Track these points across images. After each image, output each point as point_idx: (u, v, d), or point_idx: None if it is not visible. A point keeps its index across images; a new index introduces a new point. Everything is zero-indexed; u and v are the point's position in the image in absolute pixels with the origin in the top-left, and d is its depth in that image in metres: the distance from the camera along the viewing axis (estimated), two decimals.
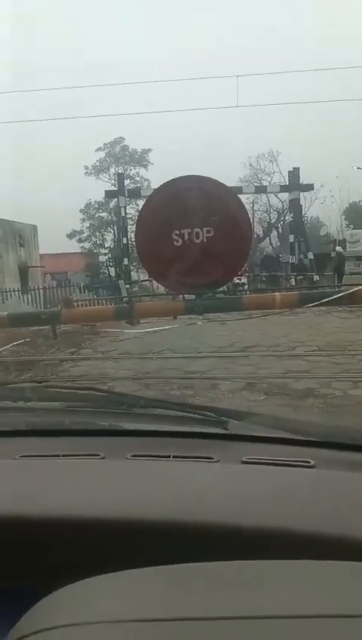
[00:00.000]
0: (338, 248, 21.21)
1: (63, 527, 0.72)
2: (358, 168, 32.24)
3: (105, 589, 0.52)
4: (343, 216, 40.89)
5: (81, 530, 0.72)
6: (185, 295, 6.68)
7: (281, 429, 1.14)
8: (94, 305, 12.62)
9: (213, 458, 0.91)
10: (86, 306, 11.22)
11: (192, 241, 5.68)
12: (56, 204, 36.78)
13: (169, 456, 0.92)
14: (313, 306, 6.21)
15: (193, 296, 6.06)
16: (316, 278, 15.16)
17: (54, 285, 20.55)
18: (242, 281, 18.33)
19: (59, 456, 0.94)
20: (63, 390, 1.62)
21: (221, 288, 9.05)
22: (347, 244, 27.92)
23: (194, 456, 0.92)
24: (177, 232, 5.67)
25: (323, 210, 35.82)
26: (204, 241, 5.63)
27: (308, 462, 0.89)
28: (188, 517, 0.72)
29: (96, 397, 1.39)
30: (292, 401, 5.35)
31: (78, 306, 9.69)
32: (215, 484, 0.85)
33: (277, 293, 6.82)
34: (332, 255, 17.54)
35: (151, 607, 0.48)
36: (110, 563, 0.62)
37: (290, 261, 17.34)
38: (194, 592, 0.51)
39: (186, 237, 5.71)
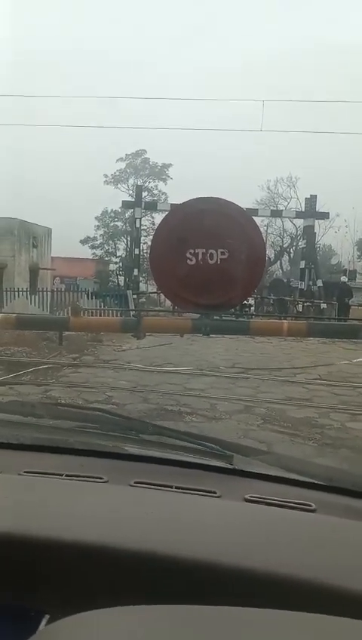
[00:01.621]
0: (343, 278, 21.24)
1: (62, 549, 0.72)
2: None
3: (102, 627, 0.52)
4: (356, 247, 41.05)
5: (80, 555, 0.72)
6: (190, 313, 6.72)
7: (286, 469, 1.15)
8: (101, 313, 12.69)
9: (215, 493, 0.91)
10: (93, 314, 11.29)
11: (206, 261, 5.72)
12: (73, 209, 37.21)
13: (172, 487, 0.92)
14: (315, 336, 6.20)
15: (198, 315, 6.09)
16: (323, 306, 15.16)
17: (62, 289, 20.62)
18: (249, 302, 18.37)
19: (62, 475, 0.94)
20: (73, 409, 1.62)
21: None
22: (357, 274, 28.04)
23: (196, 489, 0.92)
24: (192, 251, 5.71)
25: (337, 239, 35.99)
26: (218, 262, 5.67)
27: (310, 505, 0.89)
28: (188, 553, 0.72)
29: (105, 419, 1.40)
30: (288, 428, 5.33)
31: (85, 314, 9.77)
32: (216, 521, 0.85)
33: (285, 321, 6.82)
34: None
35: None
36: (107, 591, 0.62)
37: (299, 287, 17.37)
38: (188, 637, 0.51)
39: (200, 257, 5.75)
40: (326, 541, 0.80)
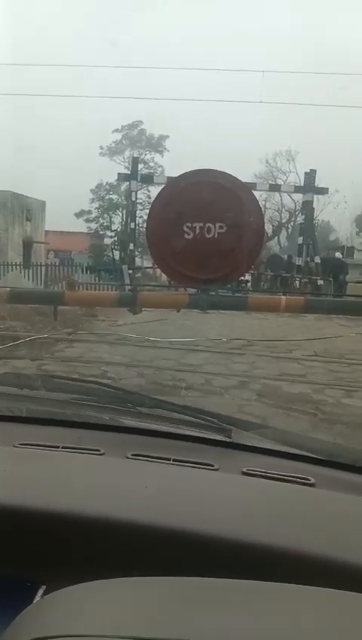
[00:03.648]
0: (337, 254, 21.10)
1: (58, 521, 0.72)
2: None
3: (98, 598, 0.52)
4: (354, 223, 40.79)
5: (77, 527, 0.71)
6: (187, 288, 6.65)
7: (284, 443, 1.14)
8: (96, 288, 12.59)
9: (213, 466, 0.90)
10: (88, 289, 11.19)
11: (203, 235, 5.64)
12: (68, 181, 36.59)
13: (169, 459, 0.91)
14: (312, 312, 6.19)
15: (195, 290, 6.04)
16: (320, 282, 15.12)
17: (57, 263, 20.44)
18: (246, 278, 18.28)
19: (58, 447, 0.93)
20: (70, 382, 1.58)
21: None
22: (355, 251, 27.93)
23: (194, 462, 0.91)
24: (189, 224, 5.63)
25: (335, 215, 35.73)
26: (216, 236, 5.59)
27: (309, 479, 0.88)
28: (184, 526, 0.71)
29: (102, 392, 1.38)
30: (283, 404, 5.35)
31: (80, 288, 9.68)
32: (213, 494, 0.84)
33: (283, 297, 6.78)
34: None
35: (140, 624, 0.48)
36: (103, 563, 0.62)
37: (297, 263, 17.29)
38: (184, 609, 0.52)
39: (198, 231, 5.67)
40: (325, 515, 0.80)
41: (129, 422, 1.14)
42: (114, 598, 0.52)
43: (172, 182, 6.73)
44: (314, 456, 1.04)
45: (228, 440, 1.06)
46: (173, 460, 0.91)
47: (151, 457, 0.92)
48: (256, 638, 0.47)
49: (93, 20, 45.88)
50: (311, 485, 0.87)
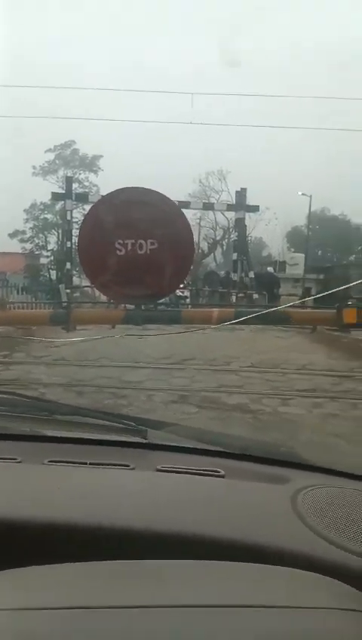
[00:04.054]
0: (269, 269, 21.96)
1: None
2: (302, 194, 33.82)
3: (21, 581, 0.57)
4: (285, 239, 42.65)
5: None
6: (126, 305, 6.66)
7: (197, 440, 1.19)
8: (32, 308, 12.26)
9: (129, 465, 0.94)
10: (22, 308, 10.87)
11: (135, 251, 5.71)
12: (0, 202, 35.57)
13: (86, 463, 0.94)
14: (243, 323, 6.39)
15: (132, 307, 6.05)
16: (255, 296, 15.62)
17: None
18: (185, 294, 18.54)
19: None
20: None
21: (163, 300, 9.11)
22: (287, 266, 29.13)
23: (110, 463, 0.94)
24: (120, 241, 5.67)
25: (267, 231, 37.21)
26: (148, 252, 5.67)
27: (218, 471, 0.93)
28: (101, 520, 0.74)
29: (18, 402, 1.39)
30: (222, 414, 5.42)
31: (13, 308, 9.39)
32: (129, 490, 0.87)
33: (215, 309, 6.96)
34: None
35: (61, 598, 0.53)
36: (16, 558, 0.65)
37: (233, 278, 17.76)
38: (98, 585, 0.56)
39: (130, 247, 5.73)
40: (232, 502, 0.86)
41: (47, 431, 1.15)
42: (35, 581, 0.57)
43: (102, 199, 6.78)
44: (226, 450, 1.10)
45: (143, 441, 1.10)
46: (90, 464, 0.94)
47: (68, 462, 0.94)
48: (161, 601, 0.52)
49: (26, 38, 45.52)
50: (221, 477, 0.92)
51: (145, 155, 38.51)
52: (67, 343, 9.20)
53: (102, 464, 0.94)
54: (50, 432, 1.14)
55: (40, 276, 24.26)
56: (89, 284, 14.67)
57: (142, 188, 6.30)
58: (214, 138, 41.00)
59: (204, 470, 0.93)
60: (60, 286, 13.95)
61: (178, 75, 40.70)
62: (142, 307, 5.92)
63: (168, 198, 6.41)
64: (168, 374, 7.51)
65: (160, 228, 5.80)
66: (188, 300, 17.56)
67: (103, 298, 11.60)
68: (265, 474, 0.99)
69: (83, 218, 9.34)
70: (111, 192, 6.36)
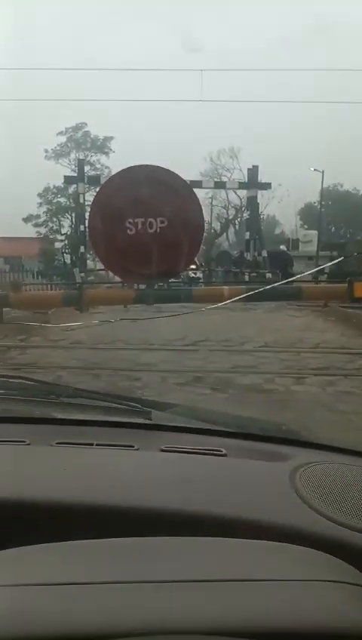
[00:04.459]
0: (282, 247, 21.64)
1: None
2: (314, 170, 33.12)
3: (24, 558, 0.59)
4: (298, 216, 41.93)
5: (7, 511, 0.75)
6: (139, 285, 6.64)
7: (200, 420, 1.23)
8: (46, 290, 12.32)
9: (133, 446, 0.96)
10: (36, 291, 10.92)
11: (146, 230, 5.66)
12: (14, 186, 35.60)
13: (92, 444, 0.96)
14: (259, 302, 6.33)
15: (145, 286, 6.04)
16: (268, 275, 15.46)
17: (7, 270, 19.86)
18: (198, 275, 18.45)
19: None
20: None
21: (176, 280, 9.05)
22: (300, 243, 28.71)
23: (116, 444, 0.97)
24: (131, 220, 5.63)
25: (280, 209, 36.59)
26: (158, 231, 5.62)
27: (221, 450, 0.96)
28: (106, 499, 0.77)
29: (26, 385, 1.41)
30: (236, 395, 5.41)
31: (27, 290, 9.45)
32: (133, 470, 0.90)
33: (225, 287, 6.90)
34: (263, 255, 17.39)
35: (61, 574, 0.55)
36: (22, 537, 0.66)
37: (248, 258, 17.58)
38: (99, 561, 0.59)
39: (140, 226, 5.69)
40: (232, 480, 0.88)
41: (54, 413, 1.18)
42: (40, 559, 0.59)
43: (110, 179, 6.71)
44: (227, 429, 1.13)
45: (147, 422, 1.13)
46: (96, 445, 0.96)
47: (75, 444, 0.97)
48: (162, 576, 0.54)
49: (35, 20, 44.84)
50: (223, 455, 0.95)
51: (156, 135, 38.06)
52: (82, 327, 9.28)
53: (108, 445, 0.97)
54: (57, 415, 1.17)
55: (54, 260, 24.37)
56: (103, 267, 14.69)
57: (151, 165, 6.22)
58: (224, 115, 40.18)
59: (206, 450, 0.96)
60: (75, 270, 13.99)
61: (187, 53, 39.71)
62: (154, 287, 5.89)
63: (178, 176, 6.32)
64: (182, 356, 7.53)
65: (170, 206, 5.73)
66: (201, 281, 17.48)
67: (118, 280, 11.57)
68: (266, 452, 1.01)
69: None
70: (120, 171, 6.30)
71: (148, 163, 6.26)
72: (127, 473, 0.89)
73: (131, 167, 6.10)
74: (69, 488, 0.80)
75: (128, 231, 5.62)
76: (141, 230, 5.63)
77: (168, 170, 6.07)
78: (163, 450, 0.95)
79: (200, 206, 7.02)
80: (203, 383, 5.97)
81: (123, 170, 6.15)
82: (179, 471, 0.91)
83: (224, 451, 0.96)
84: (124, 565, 0.58)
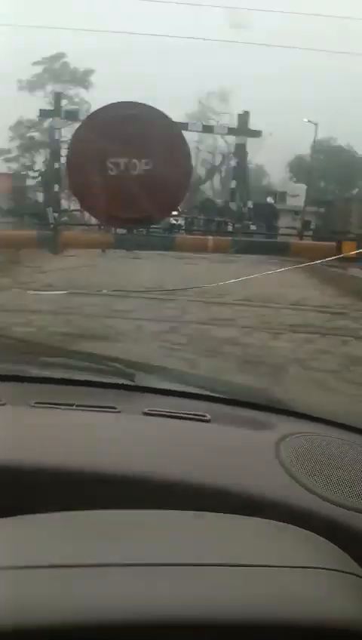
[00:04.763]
0: (269, 200, 21.29)
1: None
2: (308, 122, 32.13)
3: (9, 534, 0.57)
4: (287, 168, 41.05)
5: None
6: (117, 229, 6.35)
7: (184, 383, 1.20)
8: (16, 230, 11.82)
9: (115, 408, 0.94)
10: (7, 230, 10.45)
11: (128, 171, 5.33)
12: None
13: (72, 405, 0.94)
14: (239, 252, 6.16)
15: (123, 231, 5.76)
16: (252, 227, 15.21)
17: None
18: (179, 222, 18.03)
19: None
20: None
21: (156, 227, 8.75)
22: (287, 197, 28.21)
23: (97, 406, 0.94)
24: (112, 160, 5.27)
25: (268, 159, 35.67)
26: (141, 173, 5.29)
27: (205, 416, 0.93)
28: (86, 464, 0.76)
29: (3, 342, 1.36)
30: (212, 347, 5.37)
31: None
32: (115, 434, 0.89)
33: (210, 237, 6.69)
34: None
35: (45, 554, 0.53)
36: (11, 507, 0.63)
37: (232, 208, 17.21)
38: (85, 539, 0.58)
39: (122, 167, 5.36)
40: (216, 448, 0.86)
41: (33, 371, 1.15)
42: (23, 533, 0.57)
43: (94, 114, 6.24)
44: (212, 394, 1.11)
45: (130, 383, 1.10)
46: (77, 406, 0.93)
47: (55, 404, 0.93)
48: (151, 558, 0.53)
49: None
50: (206, 421, 0.92)
51: (141, 70, 35.84)
52: (54, 269, 8.95)
53: (89, 406, 0.94)
54: (36, 373, 1.14)
55: (26, 198, 23.39)
56: (78, 207, 14.14)
57: (137, 103, 5.81)
58: (217, 56, 38.04)
59: (189, 414, 0.94)
60: (48, 209, 13.40)
61: None
62: (134, 232, 5.62)
63: (166, 115, 5.93)
64: (159, 304, 7.39)
65: (155, 147, 5.38)
66: (182, 229, 17.13)
67: (94, 222, 11.14)
68: (251, 419, 1.00)
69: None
70: (103, 107, 5.89)
71: (132, 100, 5.82)
72: (108, 437, 0.87)
73: (116, 102, 5.69)
74: (49, 452, 0.78)
75: (109, 171, 5.29)
76: (123, 171, 5.29)
77: (157, 109, 5.68)
78: (145, 414, 0.93)
79: (189, 151, 6.66)
80: (178, 333, 5.90)
81: (107, 106, 5.73)
82: (162, 436, 0.89)
83: (208, 417, 0.93)
84: (107, 544, 0.57)
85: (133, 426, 0.93)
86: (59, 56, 33.87)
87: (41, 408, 0.92)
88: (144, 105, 5.87)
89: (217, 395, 1.12)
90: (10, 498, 0.68)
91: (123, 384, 1.10)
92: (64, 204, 17.35)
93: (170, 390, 1.11)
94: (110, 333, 5.59)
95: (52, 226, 7.72)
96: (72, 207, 15.36)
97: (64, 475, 0.74)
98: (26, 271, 9.71)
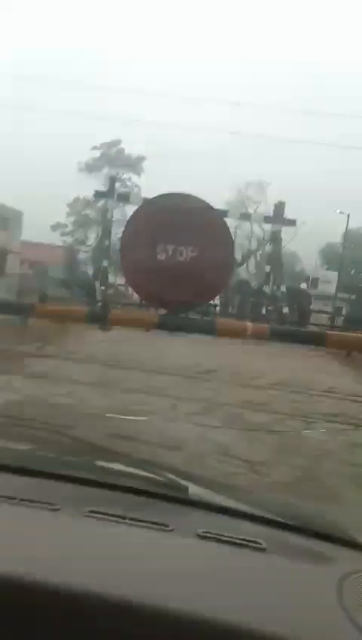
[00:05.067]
0: (302, 285, 21.72)
1: (3, 587, 0.70)
2: (340, 212, 33.33)
3: None
4: (319, 255, 42.01)
5: (22, 594, 0.69)
6: (158, 309, 6.68)
7: (237, 500, 1.17)
8: (68, 302, 12.46)
9: (168, 526, 0.91)
10: (60, 302, 11.05)
11: (175, 257, 5.75)
12: (45, 194, 36.31)
13: (125, 518, 0.92)
14: (279, 341, 6.31)
15: (164, 311, 6.07)
16: (285, 310, 15.49)
17: (30, 274, 20.08)
18: (214, 302, 18.47)
19: (15, 499, 0.93)
20: (29, 430, 1.63)
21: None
22: (319, 283, 28.73)
23: (149, 521, 0.92)
24: (162, 246, 5.72)
25: (301, 246, 36.69)
26: (188, 259, 5.70)
27: (260, 543, 0.90)
28: (135, 597, 0.71)
29: (62, 441, 1.40)
30: (245, 432, 5.33)
31: (50, 301, 9.56)
32: (167, 558, 0.85)
33: (249, 323, 6.91)
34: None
35: None
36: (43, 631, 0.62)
37: (266, 291, 17.64)
38: None
39: (170, 253, 5.78)
40: (272, 584, 0.81)
41: (86, 474, 1.14)
42: None
43: (148, 202, 6.85)
44: (267, 516, 1.06)
45: (183, 497, 1.09)
46: (129, 519, 0.91)
47: (108, 515, 0.92)
48: None
49: (82, 39, 46.19)
50: (262, 550, 0.89)
51: (187, 160, 38.66)
52: (98, 342, 9.32)
53: (140, 520, 0.92)
54: (89, 476, 1.13)
55: (77, 270, 24.60)
56: (123, 282, 14.72)
57: (188, 195, 6.36)
58: (258, 149, 40.75)
59: (244, 540, 0.90)
60: (96, 282, 14.13)
61: (226, 84, 40.58)
62: (177, 314, 5.92)
63: (213, 208, 6.45)
64: (194, 384, 7.50)
65: (202, 236, 5.81)
66: (217, 308, 17.45)
67: (136, 297, 11.55)
68: (309, 550, 0.95)
69: (126, 219, 9.38)
70: (157, 197, 6.45)
71: (176, 186, 6.41)
72: (159, 561, 0.83)
73: (168, 193, 6.24)
74: (100, 576, 0.75)
75: (158, 256, 5.71)
76: (171, 257, 5.71)
77: (204, 201, 6.19)
78: (199, 536, 0.90)
79: (233, 242, 7.12)
80: (210, 414, 5.93)
81: (160, 196, 6.29)
82: (216, 566, 0.85)
83: (263, 545, 0.89)
84: None
85: (185, 549, 0.89)
86: (116, 143, 36.88)
87: (94, 518, 0.91)
88: (194, 197, 6.40)
89: (274, 518, 1.05)
90: (50, 618, 0.66)
91: (176, 497, 1.08)
92: (110, 278, 18.24)
93: (224, 507, 1.06)
94: (145, 410, 5.65)
95: (101, 304, 8.18)
96: (118, 282, 16.09)
97: (110, 604, 0.69)
98: (71, 341, 10.14)
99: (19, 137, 37.25)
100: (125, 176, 36.79)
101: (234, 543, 0.88)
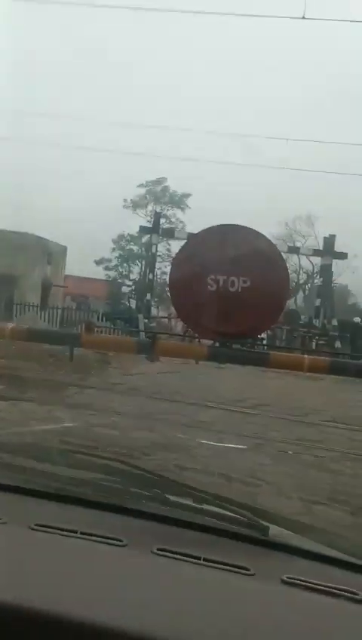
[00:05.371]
0: (356, 319, 21.28)
1: (56, 627, 0.64)
2: None
3: None
4: None
5: (78, 637, 0.64)
6: (205, 340, 6.54)
7: (325, 544, 1.05)
8: (112, 333, 12.57)
9: (249, 570, 0.83)
10: (104, 333, 11.15)
11: (226, 288, 5.61)
12: (91, 230, 37.81)
13: (200, 558, 0.83)
14: (338, 374, 5.99)
15: (214, 343, 5.92)
16: (337, 344, 15.02)
17: (73, 307, 20.66)
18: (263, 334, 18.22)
19: (77, 532, 0.86)
20: (92, 458, 1.51)
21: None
22: None
23: (227, 564, 0.83)
24: (213, 277, 5.62)
25: (353, 280, 35.91)
26: (239, 290, 5.56)
27: (357, 594, 0.79)
28: None
29: (127, 472, 1.32)
30: (299, 470, 5.04)
31: (99, 332, 9.64)
32: (249, 607, 0.76)
33: (306, 356, 6.62)
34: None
35: None
36: None
37: (316, 324, 17.29)
38: None
39: (221, 283, 5.66)
40: None
41: (154, 508, 1.05)
42: None
43: (198, 234, 6.81)
44: (357, 562, 0.94)
45: (263, 538, 0.98)
46: (204, 560, 0.83)
47: (179, 554, 0.83)
48: None
49: (126, 75, 48.89)
50: (358, 602, 0.78)
51: (232, 195, 39.28)
52: (142, 373, 9.23)
53: (218, 563, 0.82)
54: (159, 512, 1.04)
55: (120, 304, 25.13)
56: (165, 315, 14.83)
57: (239, 225, 6.28)
58: (303, 182, 40.88)
59: (338, 589, 0.79)
60: (139, 315, 14.28)
61: (272, 120, 41.40)
62: (227, 346, 5.74)
63: (266, 238, 6.30)
64: (241, 419, 7.22)
65: (254, 266, 5.68)
66: (264, 340, 17.19)
67: (179, 329, 11.51)
68: None
69: (170, 253, 9.43)
70: (209, 228, 6.41)
71: (222, 222, 6.36)
72: (242, 610, 0.74)
73: (221, 224, 6.19)
74: (174, 621, 0.68)
75: (209, 287, 5.60)
76: (222, 288, 5.59)
77: (257, 231, 6.08)
78: (284, 582, 0.80)
79: (288, 274, 6.93)
80: (262, 452, 5.64)
81: (210, 227, 6.24)
82: (307, 617, 0.74)
83: (360, 595, 0.78)
84: None
85: (270, 597, 0.80)
86: (161, 180, 38.10)
87: (164, 558, 0.84)
88: (243, 226, 6.32)
89: None
90: None
91: (256, 538, 0.98)
92: (153, 311, 18.47)
93: (309, 552, 0.96)
94: (190, 445, 5.47)
95: (149, 335, 8.16)
96: (160, 315, 16.24)
97: None
98: (115, 373, 10.11)
99: (65, 176, 39.15)
100: (170, 212, 37.68)
101: (326, 592, 0.79)
